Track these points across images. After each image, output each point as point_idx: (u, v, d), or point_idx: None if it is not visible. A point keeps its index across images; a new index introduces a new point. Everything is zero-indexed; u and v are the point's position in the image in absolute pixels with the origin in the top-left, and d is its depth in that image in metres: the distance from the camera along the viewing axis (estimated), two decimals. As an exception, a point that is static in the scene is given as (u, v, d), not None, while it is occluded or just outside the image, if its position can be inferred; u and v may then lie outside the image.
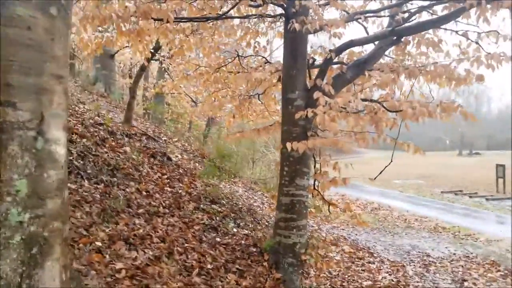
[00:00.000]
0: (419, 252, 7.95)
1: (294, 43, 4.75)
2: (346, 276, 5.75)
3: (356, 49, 5.32)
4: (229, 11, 4.85)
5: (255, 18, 5.36)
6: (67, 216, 1.88)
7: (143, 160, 6.40)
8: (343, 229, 9.66)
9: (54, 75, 1.71)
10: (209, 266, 4.03)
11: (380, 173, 4.65)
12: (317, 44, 5.27)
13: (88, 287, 2.65)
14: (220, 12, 4.94)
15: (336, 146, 4.16)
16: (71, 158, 4.69)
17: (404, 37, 4.76)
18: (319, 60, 5.28)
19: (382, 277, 6.07)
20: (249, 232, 5.75)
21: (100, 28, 8.38)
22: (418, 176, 24.88)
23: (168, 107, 16.82)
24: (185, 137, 13.66)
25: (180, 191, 5.96)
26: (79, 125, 6.24)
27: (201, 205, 5.78)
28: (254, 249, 5.06)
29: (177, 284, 3.37)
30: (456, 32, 4.73)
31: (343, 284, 5.42)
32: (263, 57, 6.12)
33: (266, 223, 7.03)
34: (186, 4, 5.11)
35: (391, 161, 4.48)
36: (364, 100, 4.44)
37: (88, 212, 3.71)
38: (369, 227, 9.86)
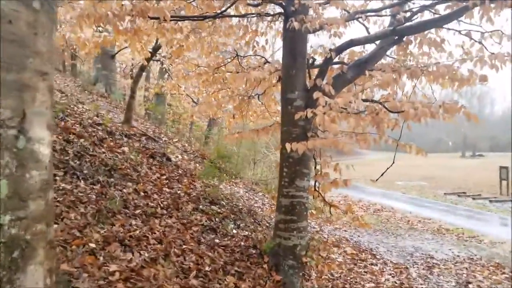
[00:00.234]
0: (423, 254, 7.86)
1: (294, 42, 4.67)
2: (348, 278, 5.67)
3: (357, 49, 5.26)
4: (226, 9, 4.78)
5: (253, 17, 5.29)
6: (52, 218, 1.81)
7: (142, 160, 6.34)
8: (345, 231, 9.57)
9: (38, 71, 1.64)
10: (207, 268, 3.95)
11: (382, 174, 4.56)
12: (317, 44, 5.19)
13: (79, 291, 2.58)
14: (218, 11, 4.87)
15: (337, 147, 4.08)
16: (67, 158, 4.63)
17: (405, 37, 4.68)
18: (319, 60, 5.20)
19: (385, 279, 5.99)
20: (249, 234, 5.67)
21: (100, 28, 8.40)
22: (420, 178, 24.75)
23: (169, 107, 16.78)
24: (186, 137, 13.62)
25: (179, 192, 5.89)
26: (77, 125, 6.18)
27: (200, 206, 5.71)
28: (254, 251, 4.98)
29: (173, 286, 3.30)
30: (459, 32, 4.64)
31: (345, 286, 5.34)
32: (263, 57, 6.05)
33: (267, 224, 6.95)
34: (184, 3, 5.05)
35: (393, 162, 4.40)
36: (365, 100, 4.36)
37: (82, 213, 3.64)
38: (371, 228, 9.78)
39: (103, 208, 3.94)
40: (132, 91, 9.28)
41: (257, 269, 4.54)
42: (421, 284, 5.96)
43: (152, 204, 4.82)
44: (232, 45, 6.75)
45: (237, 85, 6.21)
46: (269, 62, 5.84)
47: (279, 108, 5.70)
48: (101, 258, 3.11)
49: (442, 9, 4.64)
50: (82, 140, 5.59)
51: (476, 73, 4.71)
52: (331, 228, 9.42)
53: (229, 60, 6.51)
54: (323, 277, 5.30)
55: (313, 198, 5.19)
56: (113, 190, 4.60)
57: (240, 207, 7.00)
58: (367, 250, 7.80)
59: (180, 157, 8.48)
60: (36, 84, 1.63)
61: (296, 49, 4.68)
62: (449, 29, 4.78)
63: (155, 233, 4.07)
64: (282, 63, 4.88)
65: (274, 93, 6.50)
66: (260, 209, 8.08)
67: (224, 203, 6.51)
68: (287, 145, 4.22)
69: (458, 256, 7.84)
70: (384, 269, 6.57)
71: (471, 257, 7.79)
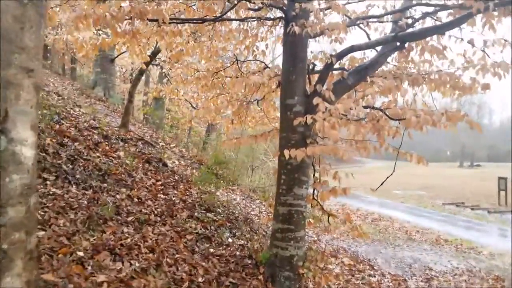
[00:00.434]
0: (421, 265, 7.73)
1: (294, 47, 4.59)
2: (346, 291, 5.53)
3: (358, 55, 5.18)
4: (226, 12, 4.70)
5: (254, 21, 5.21)
6: (34, 226, 1.70)
7: (137, 165, 6.22)
8: (343, 240, 9.43)
9: (23, 68, 1.53)
10: (200, 279, 3.81)
11: (382, 183, 4.46)
12: (317, 49, 5.11)
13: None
14: (218, 15, 4.79)
15: (336, 155, 3.97)
16: (59, 162, 4.51)
17: (407, 43, 4.60)
18: (319, 65, 5.12)
19: (383, 292, 5.86)
20: (245, 243, 5.54)
21: (101, 32, 8.33)
22: (419, 187, 24.65)
23: (168, 112, 16.69)
24: (184, 143, 13.50)
25: (174, 198, 5.77)
26: (73, 128, 6.07)
27: (196, 214, 5.58)
28: (249, 261, 4.84)
29: (164, 298, 3.17)
30: (462, 39, 4.57)
31: (342, 298, 5.21)
32: (262, 62, 5.96)
33: (264, 233, 6.81)
34: (184, 6, 4.98)
35: (394, 171, 4.29)
36: (366, 107, 4.26)
37: (72, 219, 3.51)
38: (369, 238, 9.64)
39: (94, 214, 3.82)
40: (130, 95, 9.18)
41: (252, 281, 4.40)
42: (420, 297, 5.84)
43: (145, 211, 4.70)
44: (232, 50, 6.68)
45: (236, 90, 6.12)
46: (268, 67, 5.75)
47: (278, 114, 5.61)
48: (89, 268, 2.98)
49: (445, 17, 4.58)
50: (76, 143, 5.47)
51: (478, 81, 4.63)
52: (329, 238, 9.28)
53: (229, 65, 6.42)
54: (320, 289, 5.16)
55: (311, 206, 5.07)
56: (106, 195, 4.47)
57: (237, 215, 6.87)
58: (365, 261, 7.66)
59: (177, 162, 8.37)
60: (21, 81, 1.53)
61: (296, 54, 4.59)
62: (451, 36, 4.71)
63: (147, 242, 3.94)
64: (282, 68, 4.79)
65: (273, 99, 6.41)
66: (257, 217, 7.94)
67: (220, 211, 6.38)
68: (286, 152, 4.12)
69: (457, 268, 7.72)
70: (382, 281, 6.43)
71: (470, 269, 7.67)
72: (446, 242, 10.09)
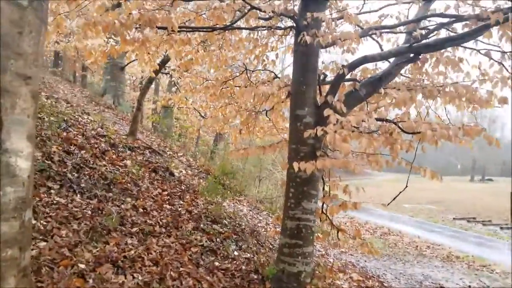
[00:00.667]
0: (432, 282, 7.49)
1: (305, 57, 4.49)
2: (354, 308, 5.34)
3: (370, 66, 5.06)
4: (236, 21, 4.63)
5: (264, 30, 5.14)
6: (28, 242, 1.60)
7: (144, 174, 6.14)
8: (351, 255, 9.22)
9: (20, 75, 1.45)
10: (204, 294, 3.69)
11: (394, 198, 4.32)
12: (328, 61, 5.00)
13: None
14: (228, 23, 4.73)
15: (347, 168, 3.84)
16: (65, 170, 4.44)
17: (421, 55, 4.48)
18: (330, 76, 5.02)
19: (393, 310, 5.65)
20: (251, 256, 5.39)
21: (112, 40, 8.35)
22: (429, 201, 24.25)
23: (177, 121, 16.69)
24: (191, 152, 13.44)
25: (180, 209, 5.66)
26: (80, 136, 6.03)
27: (201, 225, 5.46)
28: (256, 276, 4.70)
29: (167, 314, 3.05)
30: (478, 51, 4.44)
31: (351, 316, 5.02)
32: (272, 71, 5.88)
33: (270, 246, 6.66)
34: (194, 15, 4.93)
35: (406, 186, 4.14)
36: (378, 119, 4.13)
37: (75, 230, 3.42)
38: (380, 255, 9.41)
39: (98, 225, 3.73)
40: (138, 103, 9.17)
41: (258, 296, 4.26)
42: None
43: (150, 222, 4.59)
44: (241, 60, 6.62)
45: (245, 99, 6.04)
46: (278, 77, 5.67)
47: (287, 124, 5.51)
48: (90, 281, 2.88)
49: (460, 28, 4.46)
50: (83, 151, 5.41)
51: (495, 95, 4.49)
52: (337, 252, 9.07)
53: (238, 74, 6.35)
54: (328, 306, 4.99)
55: (320, 221, 4.93)
56: (111, 205, 4.38)
57: (243, 226, 6.73)
58: (374, 277, 7.45)
59: (184, 172, 8.28)
60: (17, 89, 1.44)
61: (307, 64, 4.49)
62: (466, 47, 4.59)
63: (151, 254, 3.83)
64: (292, 78, 4.70)
65: (282, 109, 6.30)
66: (263, 229, 7.79)
67: (227, 222, 6.25)
68: (295, 164, 3.99)
69: (469, 286, 7.47)
70: (393, 298, 6.23)
71: (484, 288, 7.42)
72: (458, 259, 9.83)
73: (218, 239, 5.29)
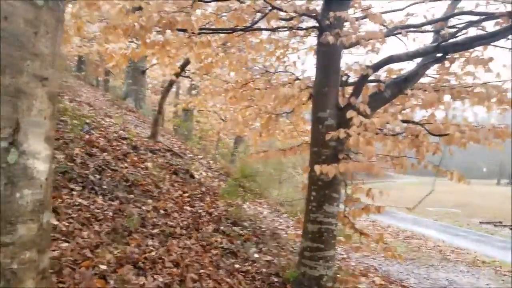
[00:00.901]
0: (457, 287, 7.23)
1: (327, 58, 4.40)
2: (377, 314, 5.19)
3: (395, 66, 4.91)
4: (256, 22, 4.58)
5: (285, 31, 5.07)
6: (47, 245, 1.58)
7: (165, 176, 6.16)
8: (373, 258, 9.01)
9: (36, 76, 1.43)
10: (224, 298, 3.65)
11: (420, 201, 4.17)
12: (350, 62, 4.91)
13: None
14: (248, 25, 4.68)
15: (371, 172, 3.74)
16: (87, 172, 4.49)
17: (449, 54, 4.32)
18: (353, 77, 4.90)
19: (418, 316, 5.47)
20: (272, 259, 5.32)
21: (133, 43, 8.44)
22: (453, 205, 23.58)
23: (197, 124, 16.80)
24: (212, 154, 13.48)
25: (200, 210, 5.65)
26: (102, 139, 6.11)
27: (222, 227, 5.43)
28: (276, 279, 4.63)
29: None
30: (510, 49, 4.24)
31: (374, 322, 4.88)
32: (293, 73, 5.80)
33: (291, 249, 6.56)
34: (214, 17, 4.91)
35: (433, 189, 4.01)
36: (404, 121, 3.99)
37: (96, 231, 3.44)
38: (404, 259, 9.17)
39: (119, 226, 3.74)
40: (159, 106, 9.26)
41: (279, 300, 4.18)
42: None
43: (171, 223, 4.59)
44: (262, 62, 6.56)
45: (265, 102, 5.98)
46: (299, 79, 5.58)
47: (308, 127, 5.42)
48: (111, 282, 2.87)
49: (492, 26, 4.27)
50: (105, 154, 5.48)
51: (529, 95, 4.28)
52: (359, 256, 8.88)
53: (258, 76, 6.30)
54: (350, 311, 4.86)
55: (342, 224, 4.81)
56: (132, 207, 4.40)
57: (263, 229, 6.67)
58: (397, 281, 7.24)
59: (204, 174, 8.29)
60: (34, 91, 1.43)
61: (329, 65, 4.40)
62: (496, 46, 4.39)
63: (172, 255, 3.82)
64: (314, 80, 4.61)
65: (303, 112, 6.21)
66: (284, 232, 7.70)
67: (247, 224, 6.20)
68: (317, 168, 3.91)
69: (496, 292, 7.18)
70: (417, 305, 6.03)
71: (512, 295, 7.11)
72: (484, 264, 9.48)
73: (238, 241, 5.24)
